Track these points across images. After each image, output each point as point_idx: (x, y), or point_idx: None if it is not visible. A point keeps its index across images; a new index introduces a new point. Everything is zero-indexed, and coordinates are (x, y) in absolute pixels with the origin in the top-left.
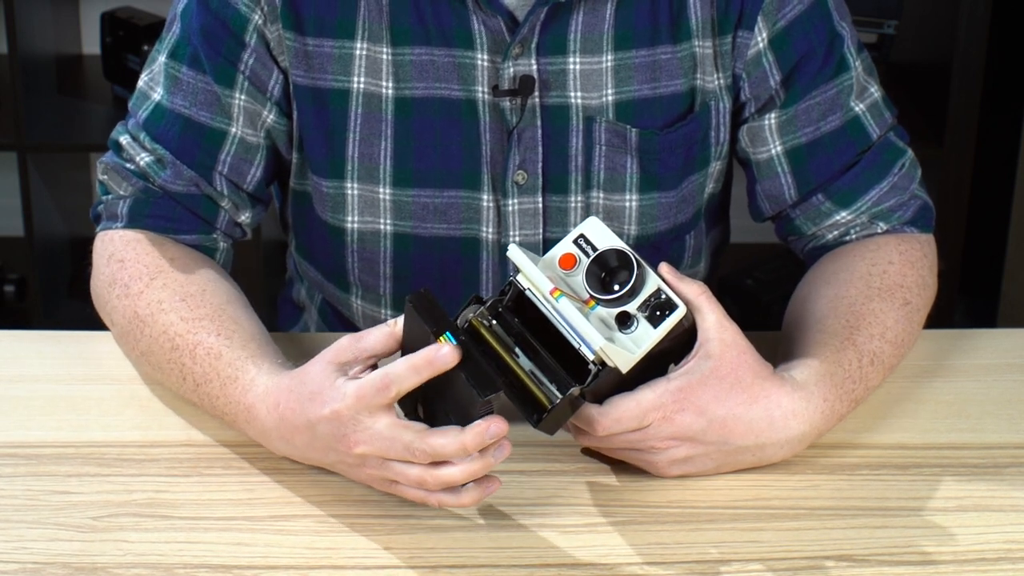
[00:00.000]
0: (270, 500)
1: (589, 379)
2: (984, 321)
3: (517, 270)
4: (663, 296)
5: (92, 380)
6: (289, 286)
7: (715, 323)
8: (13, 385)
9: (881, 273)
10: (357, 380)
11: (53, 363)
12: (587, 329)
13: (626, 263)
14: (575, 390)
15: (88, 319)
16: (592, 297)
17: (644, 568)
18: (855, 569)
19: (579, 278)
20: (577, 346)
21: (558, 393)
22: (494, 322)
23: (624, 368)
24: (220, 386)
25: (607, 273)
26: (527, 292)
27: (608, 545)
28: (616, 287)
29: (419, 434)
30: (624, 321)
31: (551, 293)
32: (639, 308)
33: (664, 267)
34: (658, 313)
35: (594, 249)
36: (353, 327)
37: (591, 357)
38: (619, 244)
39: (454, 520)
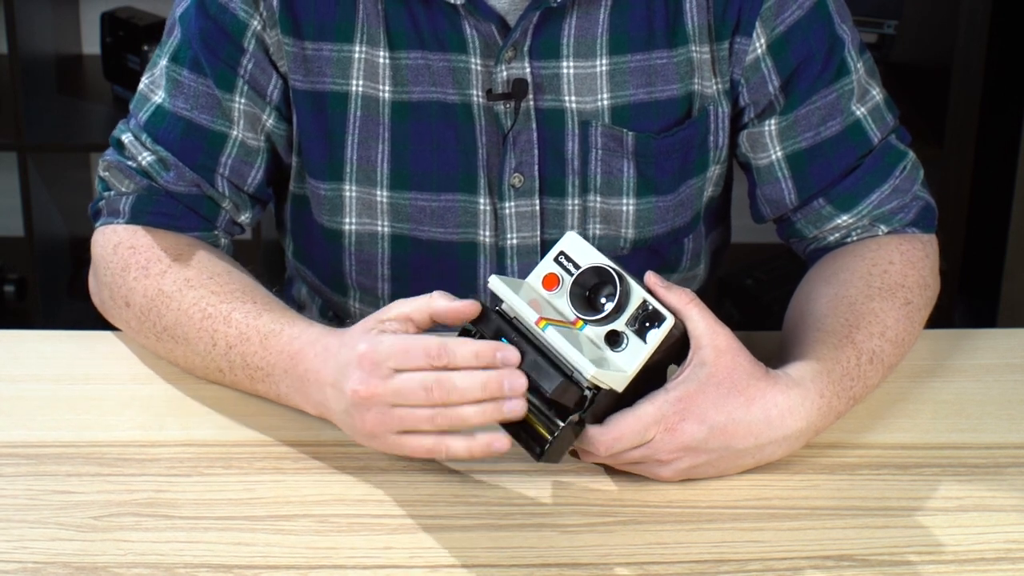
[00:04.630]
0: (270, 500)
1: (586, 404)
2: (984, 321)
3: (501, 300)
4: (650, 308)
5: (92, 380)
6: (289, 285)
7: (706, 329)
8: (13, 385)
9: (882, 273)
10: (402, 334)
11: (53, 363)
12: (577, 358)
13: (609, 279)
14: (574, 417)
15: (88, 319)
16: (579, 318)
17: (644, 568)
18: (855, 569)
19: (564, 299)
20: (570, 372)
21: (559, 421)
22: None
23: (619, 388)
24: (260, 341)
25: (591, 290)
26: (515, 321)
27: (608, 545)
28: (603, 301)
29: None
30: (614, 340)
31: (537, 324)
32: (627, 323)
33: (650, 277)
34: (647, 325)
35: (576, 267)
36: None
37: (585, 384)
38: (600, 260)
39: (454, 520)
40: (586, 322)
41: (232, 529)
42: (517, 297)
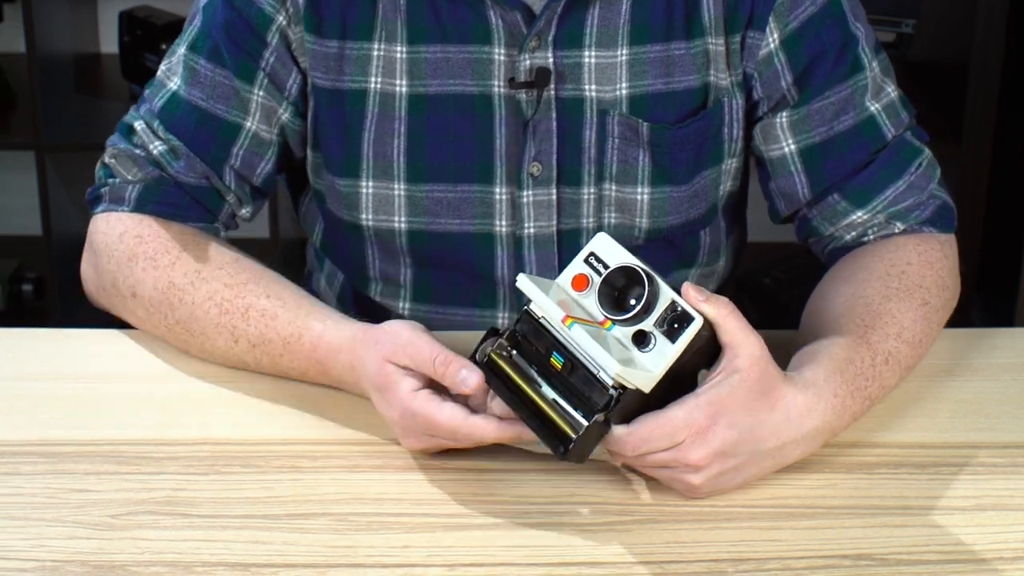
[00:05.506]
0: (288, 498)
1: (612, 404)
2: (1002, 319)
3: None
4: (679, 309)
5: (110, 378)
6: (307, 280)
7: (743, 339)
8: (32, 383)
9: (899, 274)
10: (434, 407)
11: (71, 361)
12: (602, 356)
13: (638, 279)
14: (599, 417)
15: (106, 318)
16: (607, 318)
17: (662, 567)
18: (873, 568)
19: (592, 299)
20: (596, 372)
21: (583, 420)
22: (514, 352)
23: (646, 388)
24: (282, 344)
25: (620, 291)
26: (542, 320)
27: (626, 544)
28: (632, 302)
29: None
30: (641, 340)
31: (563, 322)
32: (655, 324)
33: (687, 287)
34: (676, 326)
35: (605, 267)
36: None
37: (610, 383)
38: (629, 260)
39: (472, 518)
40: (614, 322)
41: (250, 528)
42: (545, 296)
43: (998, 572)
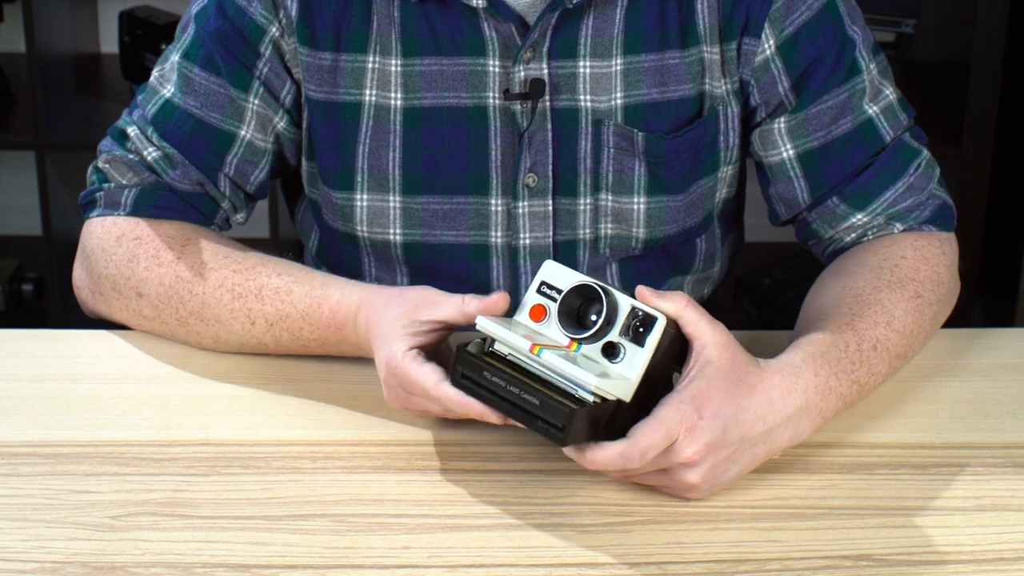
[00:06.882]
0: (288, 499)
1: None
2: (1002, 320)
3: (494, 340)
4: (640, 313)
5: (110, 379)
6: None
7: (707, 328)
8: (32, 384)
9: (893, 267)
10: (415, 366)
11: (71, 362)
12: (577, 373)
13: (594, 295)
14: (607, 398)
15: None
16: (572, 339)
17: (662, 567)
18: (874, 569)
19: (554, 326)
20: (574, 392)
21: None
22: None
23: (627, 397)
24: (300, 317)
25: (579, 310)
26: (510, 357)
27: (627, 544)
28: (594, 318)
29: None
30: (611, 351)
31: (531, 350)
32: (621, 333)
33: (641, 291)
34: (641, 330)
35: (559, 292)
36: None
37: (590, 399)
38: (581, 279)
39: (472, 519)
40: (580, 342)
41: (250, 529)
42: (508, 332)
43: (998, 572)
